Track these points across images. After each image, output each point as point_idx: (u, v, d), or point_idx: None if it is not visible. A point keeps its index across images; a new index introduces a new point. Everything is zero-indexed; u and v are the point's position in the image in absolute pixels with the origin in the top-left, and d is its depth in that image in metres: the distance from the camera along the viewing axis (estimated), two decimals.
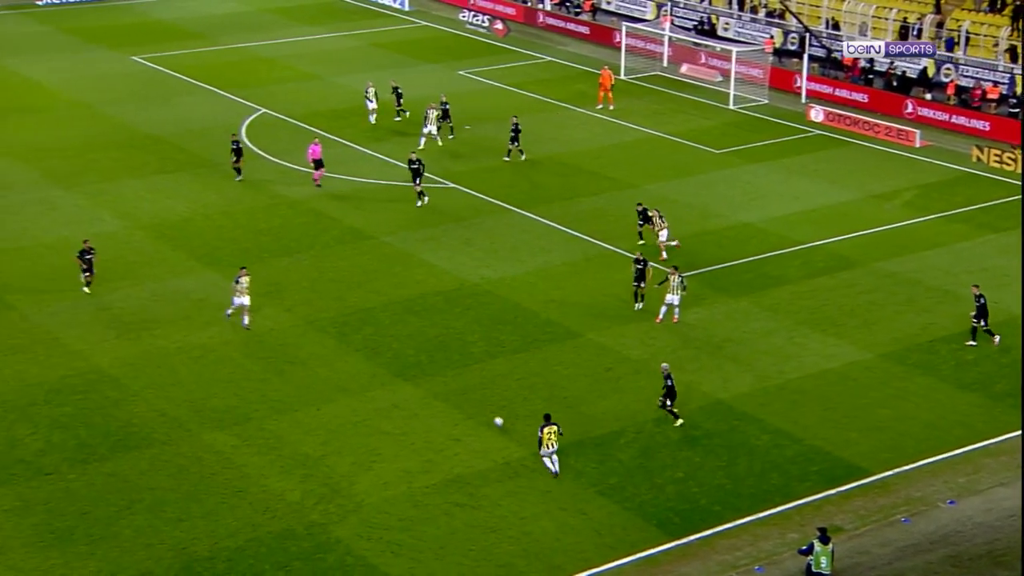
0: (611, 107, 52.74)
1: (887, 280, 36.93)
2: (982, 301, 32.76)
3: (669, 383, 29.05)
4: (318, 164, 43.97)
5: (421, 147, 46.85)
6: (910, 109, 51.98)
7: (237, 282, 33.26)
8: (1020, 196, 43.31)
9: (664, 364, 29.75)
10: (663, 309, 34.03)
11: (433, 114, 47.76)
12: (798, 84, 55.27)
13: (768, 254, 38.73)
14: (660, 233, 37.86)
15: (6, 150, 47.52)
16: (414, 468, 27.50)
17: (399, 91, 51.65)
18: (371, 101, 50.53)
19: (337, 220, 40.97)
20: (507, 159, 46.28)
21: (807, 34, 58.23)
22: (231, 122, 50.97)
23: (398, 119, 51.01)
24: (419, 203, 41.87)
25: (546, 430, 27.09)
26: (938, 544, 25.29)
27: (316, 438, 28.69)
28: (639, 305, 34.78)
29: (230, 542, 25.17)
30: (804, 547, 23.67)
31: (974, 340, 32.83)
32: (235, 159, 44.15)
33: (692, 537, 25.42)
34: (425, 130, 47.51)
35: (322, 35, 66.51)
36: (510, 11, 69.41)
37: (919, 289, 36.21)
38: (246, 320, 33.36)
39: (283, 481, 27.02)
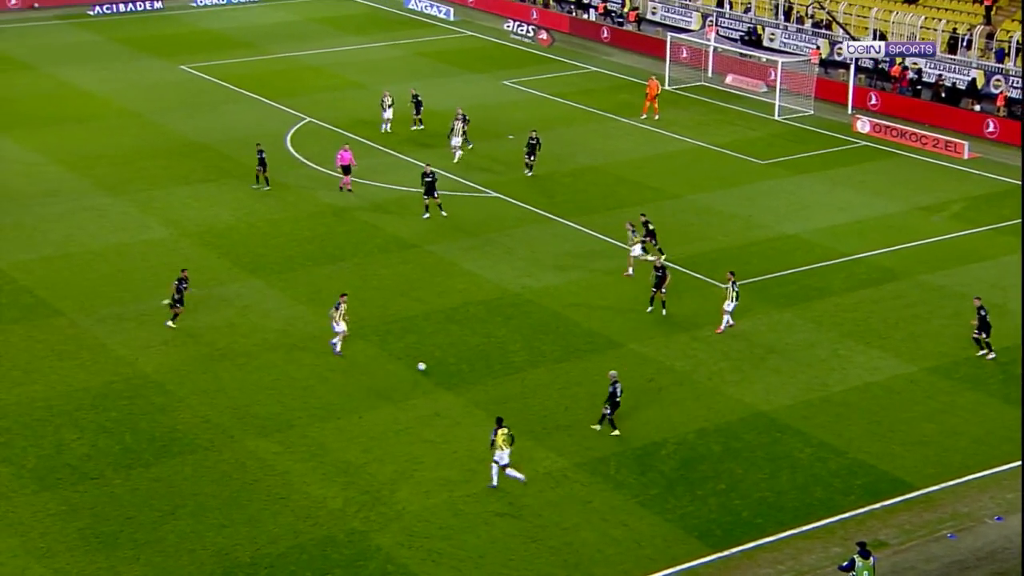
0: (656, 117, 52.71)
1: (933, 293, 36.63)
2: (983, 313, 32.58)
3: (612, 390, 28.75)
4: (346, 170, 44.12)
5: (456, 160, 46.99)
6: (991, 128, 51.09)
7: (336, 308, 32.59)
8: None
9: (612, 372, 29.55)
10: (725, 319, 33.81)
11: (459, 126, 47.75)
12: (844, 97, 54.95)
13: (812, 266, 38.54)
14: (633, 247, 37.27)
15: (58, 158, 48.20)
16: (455, 477, 27.57)
17: (419, 99, 51.71)
18: (386, 111, 50.71)
19: (380, 229, 41.15)
20: (529, 173, 45.73)
21: (855, 44, 57.86)
22: (277, 130, 51.39)
23: (414, 128, 51.15)
24: (426, 215, 41.44)
25: (499, 433, 26.71)
26: (985, 561, 25.03)
27: (358, 445, 28.84)
28: (651, 309, 34.79)
29: (272, 548, 25.35)
30: (845, 563, 23.50)
31: (988, 350, 32.47)
32: (261, 168, 44.45)
33: (734, 550, 25.31)
34: (454, 142, 47.46)
35: (368, 44, 66.90)
36: (556, 21, 69.49)
37: (966, 303, 35.86)
38: (338, 347, 32.63)
39: (325, 488, 27.18)
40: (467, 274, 37.93)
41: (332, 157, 46.26)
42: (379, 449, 28.69)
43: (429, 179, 41.68)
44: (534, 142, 46.26)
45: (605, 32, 67.02)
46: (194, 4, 75.31)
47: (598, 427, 29.29)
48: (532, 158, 46.17)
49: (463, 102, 55.83)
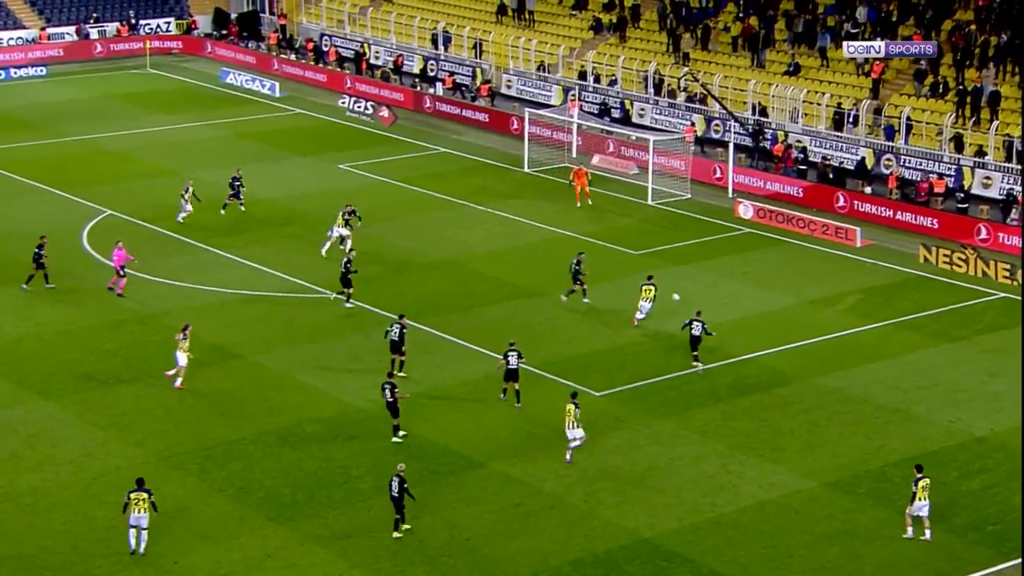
0: (589, 202, 53.19)
1: (830, 397, 37.42)
2: (695, 333, 37.28)
3: (394, 484, 29.84)
4: (120, 272, 43.48)
5: (324, 253, 46.99)
6: (842, 203, 53.36)
7: (183, 337, 36.12)
8: (969, 303, 44.54)
9: (400, 465, 30.54)
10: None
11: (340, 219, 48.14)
12: (719, 175, 56.51)
13: (689, 370, 39.02)
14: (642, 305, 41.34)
15: None
16: None
17: (239, 183, 51.75)
18: (187, 203, 50.71)
19: (198, 337, 40.40)
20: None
21: (732, 121, 59.80)
22: (71, 226, 50.41)
23: (223, 212, 51.27)
24: (344, 302, 43.08)
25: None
26: None
27: None
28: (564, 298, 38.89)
29: None
30: None
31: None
32: (37, 267, 43.69)
33: None
34: (334, 233, 47.65)
35: (180, 124, 66.41)
36: (397, 96, 70.20)
37: (867, 407, 36.73)
38: (178, 382, 36.08)
39: None
40: (303, 388, 37.42)
41: (136, 256, 45.44)
42: None
43: (396, 334, 37.93)
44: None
45: (455, 108, 67.86)
46: None
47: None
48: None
49: (293, 188, 55.70)
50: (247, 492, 31.90)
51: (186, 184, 51.89)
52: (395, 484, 30.09)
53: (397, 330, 38.26)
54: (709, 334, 38.94)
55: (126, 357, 39.22)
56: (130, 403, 36.28)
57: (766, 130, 59.52)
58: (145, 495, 29.32)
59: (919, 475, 30.22)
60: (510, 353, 36.83)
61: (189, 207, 50.81)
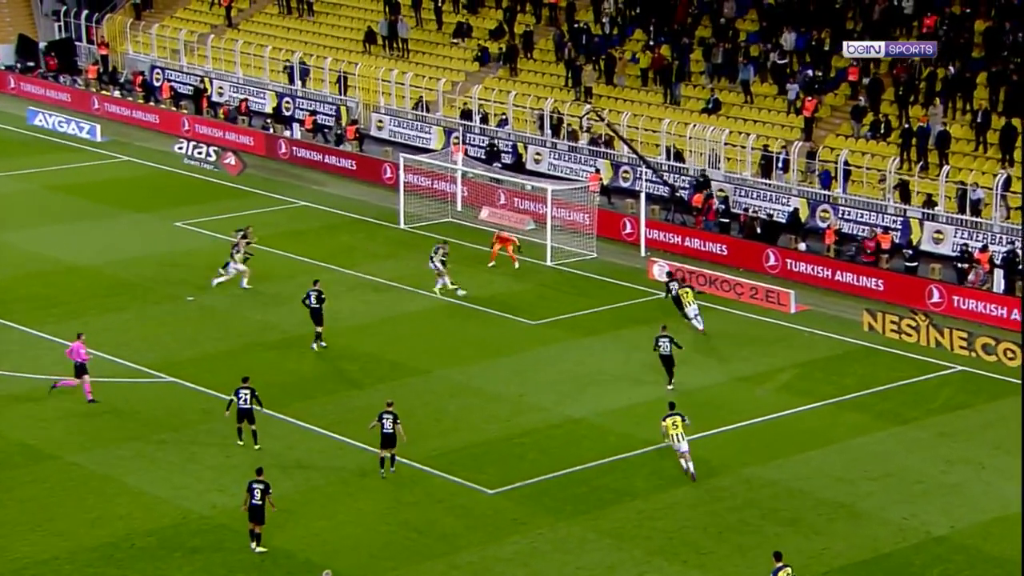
0: (515, 266, 53.36)
1: (764, 491, 37.76)
2: None
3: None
4: (81, 370, 42.56)
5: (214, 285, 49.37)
6: (773, 261, 54.22)
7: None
8: (921, 377, 45.38)
9: (326, 571, 31.06)
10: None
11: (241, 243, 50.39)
12: (629, 231, 57.13)
13: (607, 459, 39.20)
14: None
15: None
16: None
17: (246, 240, 52.14)
18: (236, 257, 51.13)
19: (2, 437, 39.75)
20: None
21: (643, 167, 60.58)
22: None
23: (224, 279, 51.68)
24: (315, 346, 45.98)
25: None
26: None
27: None
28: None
29: None
30: None
31: None
32: None
33: None
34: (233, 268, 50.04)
35: None
36: (246, 140, 70.09)
37: (806, 502, 37.10)
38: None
39: None
40: (131, 492, 36.95)
41: None
42: None
43: (246, 400, 39.09)
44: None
45: (316, 154, 67.90)
46: None
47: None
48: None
49: (119, 251, 55.21)
50: None
51: (241, 234, 51.52)
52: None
53: (247, 395, 38.71)
54: (679, 347, 43.26)
55: None
56: None
57: (690, 177, 60.36)
58: None
59: (779, 564, 30.70)
60: (385, 416, 37.39)
61: (240, 265, 50.82)
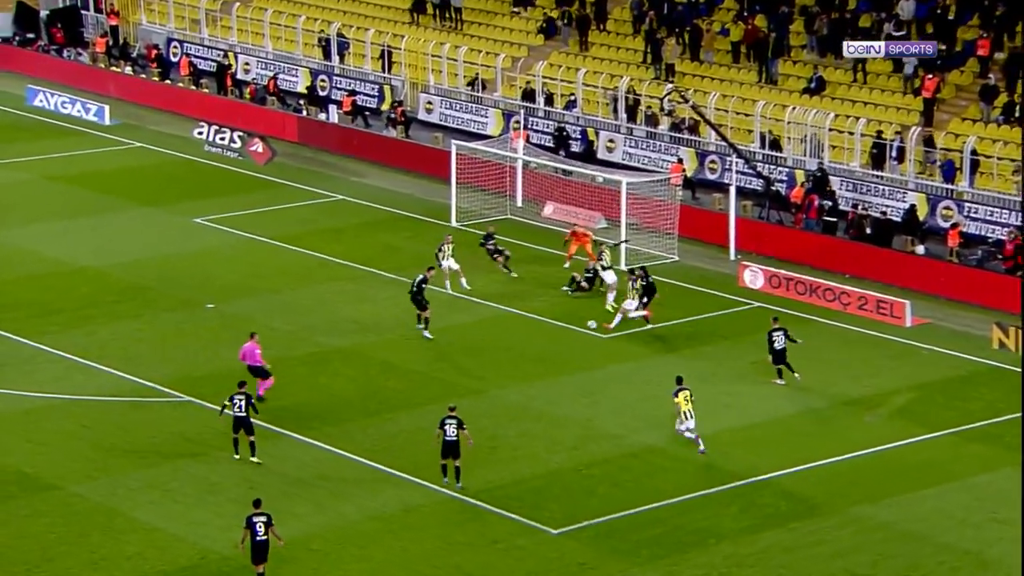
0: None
1: (875, 534, 37.45)
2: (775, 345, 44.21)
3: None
4: (260, 372, 43.29)
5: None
6: (886, 267, 53.52)
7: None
8: None
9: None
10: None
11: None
12: (717, 230, 56.83)
13: (688, 496, 39.01)
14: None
15: None
16: None
17: (492, 242, 53.58)
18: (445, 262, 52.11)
19: None
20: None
21: (735, 157, 60.28)
22: None
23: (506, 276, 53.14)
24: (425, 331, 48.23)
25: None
26: None
27: None
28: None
29: None
30: None
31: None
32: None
33: None
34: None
35: None
36: (276, 124, 70.12)
37: (924, 548, 36.75)
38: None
39: None
40: (142, 529, 37.08)
41: None
42: None
43: (241, 407, 40.37)
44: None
45: (355, 141, 68.00)
46: None
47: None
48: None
49: (130, 251, 55.57)
50: None
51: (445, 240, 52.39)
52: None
53: (242, 402, 39.65)
54: (794, 341, 45.13)
55: None
56: None
57: (787, 168, 60.09)
58: None
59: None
60: (448, 421, 38.05)
61: (453, 264, 51.86)
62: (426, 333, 48.29)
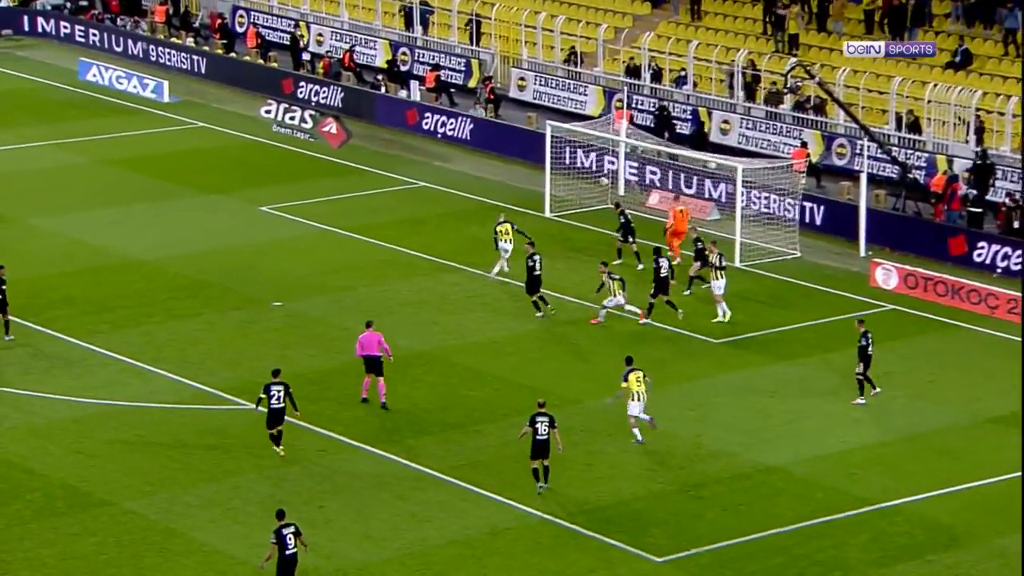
0: (676, 260, 53.14)
1: None
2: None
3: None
4: (374, 367, 43.97)
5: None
6: None
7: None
8: None
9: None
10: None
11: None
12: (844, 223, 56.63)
13: (810, 523, 38.91)
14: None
15: None
16: None
17: (624, 218, 54.23)
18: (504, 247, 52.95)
19: (42, 476, 40.43)
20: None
21: (867, 140, 59.93)
22: None
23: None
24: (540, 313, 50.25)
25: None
26: None
27: None
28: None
29: None
30: None
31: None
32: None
33: None
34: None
35: (16, 145, 66.76)
36: (352, 102, 70.35)
37: None
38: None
39: None
40: (201, 551, 37.32)
41: None
42: None
43: (278, 398, 41.24)
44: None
45: (439, 120, 68.11)
46: None
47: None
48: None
49: (190, 242, 55.91)
50: None
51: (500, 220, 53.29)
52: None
53: (280, 392, 40.46)
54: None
55: None
56: None
57: (927, 154, 59.77)
58: None
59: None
60: (538, 419, 38.53)
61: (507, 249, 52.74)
62: (539, 314, 50.17)
